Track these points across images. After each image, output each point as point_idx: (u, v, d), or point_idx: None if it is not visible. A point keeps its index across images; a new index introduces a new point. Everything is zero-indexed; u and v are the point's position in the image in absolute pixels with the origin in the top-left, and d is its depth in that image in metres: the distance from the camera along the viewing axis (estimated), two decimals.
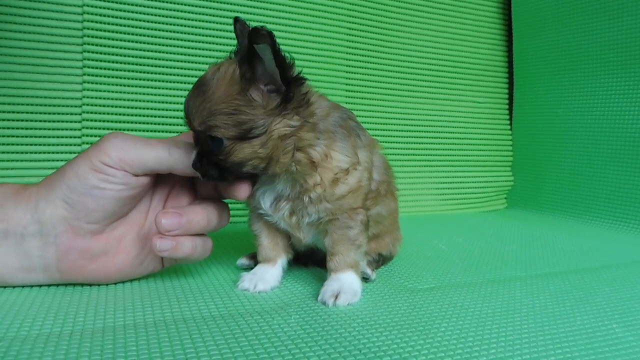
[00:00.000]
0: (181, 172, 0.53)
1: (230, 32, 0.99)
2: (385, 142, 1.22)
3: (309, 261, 0.66)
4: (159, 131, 0.97)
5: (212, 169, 0.49)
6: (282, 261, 0.59)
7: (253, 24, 0.48)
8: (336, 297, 0.51)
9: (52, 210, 0.51)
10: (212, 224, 0.55)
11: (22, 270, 0.52)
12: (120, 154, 0.50)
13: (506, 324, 0.47)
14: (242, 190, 0.53)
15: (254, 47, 0.44)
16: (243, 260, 0.66)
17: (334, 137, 0.52)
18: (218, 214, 0.56)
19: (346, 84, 1.17)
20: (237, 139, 0.47)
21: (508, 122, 1.41)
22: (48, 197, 0.51)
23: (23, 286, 0.54)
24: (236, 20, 0.53)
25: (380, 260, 0.66)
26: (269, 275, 0.57)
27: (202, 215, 0.54)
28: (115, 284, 0.56)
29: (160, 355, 0.38)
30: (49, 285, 0.55)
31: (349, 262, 0.54)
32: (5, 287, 0.53)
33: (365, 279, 0.58)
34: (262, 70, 0.46)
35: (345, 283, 0.52)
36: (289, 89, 0.47)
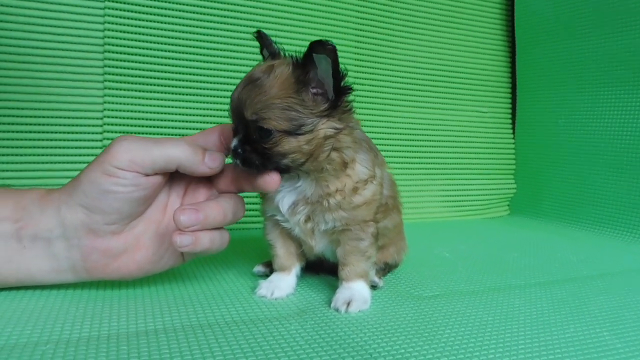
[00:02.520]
0: (189, 170, 0.55)
1: (249, 41, 1.04)
2: (390, 150, 1.26)
3: (321, 270, 0.70)
4: None
5: (255, 156, 0.53)
6: (296, 270, 0.63)
7: (266, 32, 0.59)
8: (348, 304, 0.55)
9: (72, 215, 0.54)
10: (228, 217, 0.57)
11: (52, 271, 0.56)
12: (129, 155, 0.52)
13: (504, 330, 0.51)
14: (273, 182, 0.55)
15: (313, 55, 0.50)
16: (259, 268, 0.70)
17: (360, 147, 0.57)
18: (234, 208, 0.58)
19: (354, 94, 1.20)
20: (286, 132, 0.52)
21: (511, 131, 1.45)
22: (68, 203, 0.54)
23: (58, 288, 0.58)
24: (259, 32, 0.60)
25: (386, 269, 0.70)
26: (284, 283, 0.61)
27: (218, 210, 0.56)
28: (141, 286, 0.61)
29: (191, 356, 0.42)
30: (81, 289, 0.59)
31: (359, 272, 0.58)
32: (41, 287, 0.58)
33: (373, 286, 0.62)
34: (314, 75, 0.51)
35: (356, 291, 0.56)
36: (338, 97, 0.53)
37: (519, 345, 0.47)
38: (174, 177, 0.59)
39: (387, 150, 1.25)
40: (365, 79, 1.22)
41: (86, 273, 0.57)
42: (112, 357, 0.42)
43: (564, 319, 0.55)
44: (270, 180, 0.55)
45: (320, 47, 0.49)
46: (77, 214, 0.54)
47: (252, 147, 0.53)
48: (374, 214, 0.58)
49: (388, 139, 1.25)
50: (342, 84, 0.52)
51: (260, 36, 0.59)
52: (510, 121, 1.45)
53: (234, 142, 0.54)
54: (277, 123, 0.51)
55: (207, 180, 0.60)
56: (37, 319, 0.50)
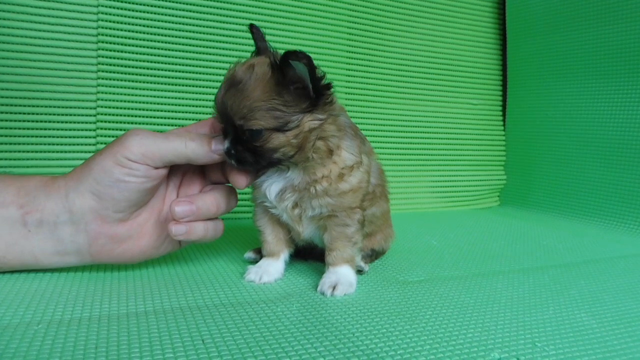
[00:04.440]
0: (197, 162, 0.58)
1: (241, 33, 1.05)
2: (382, 141, 1.27)
3: (309, 257, 0.71)
4: None
5: (248, 155, 0.55)
6: (284, 255, 0.65)
7: (258, 24, 0.61)
8: (334, 288, 0.56)
9: (81, 201, 0.56)
10: (221, 208, 0.61)
11: (56, 254, 0.58)
12: (142, 149, 0.55)
13: (485, 312, 0.52)
14: (241, 180, 0.59)
15: (289, 61, 0.51)
16: (250, 254, 0.71)
17: (345, 135, 0.59)
18: (226, 199, 0.62)
19: (346, 86, 1.22)
20: (274, 129, 0.54)
21: (501, 122, 1.46)
22: (77, 189, 0.56)
23: (52, 271, 0.60)
24: (252, 26, 0.61)
25: (373, 255, 0.72)
26: (272, 268, 0.63)
27: (211, 202, 0.60)
28: (134, 269, 0.63)
29: (180, 337, 0.43)
30: (74, 272, 0.61)
31: (346, 257, 0.59)
32: (43, 270, 0.60)
33: (359, 271, 0.64)
34: (293, 75, 0.52)
35: (342, 276, 0.58)
36: (318, 97, 0.54)
37: (498, 325, 0.49)
38: (172, 168, 0.62)
39: (378, 142, 1.26)
40: (356, 70, 1.23)
41: (90, 257, 0.59)
42: (103, 337, 0.43)
43: (543, 301, 0.57)
44: (239, 178, 0.59)
45: (294, 56, 0.50)
46: (87, 200, 0.56)
47: (244, 147, 0.55)
48: (360, 201, 0.60)
49: (379, 131, 1.27)
50: (322, 83, 0.54)
51: (252, 30, 0.61)
52: (500, 113, 1.47)
53: (226, 144, 0.56)
54: (265, 122, 0.53)
55: (200, 172, 0.64)
56: (30, 301, 0.51)
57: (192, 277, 0.63)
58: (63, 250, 0.58)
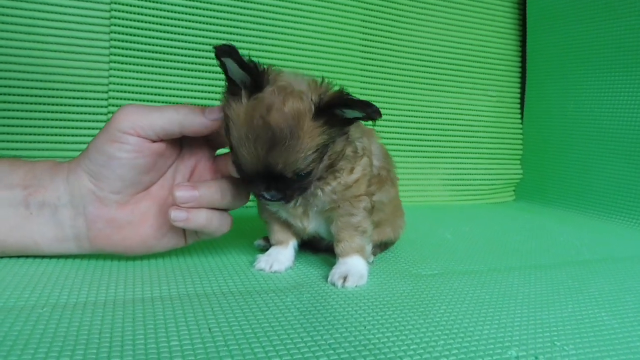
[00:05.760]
0: (191, 128, 0.55)
1: (254, 19, 1.03)
2: (397, 132, 1.25)
3: (319, 250, 0.69)
4: None
5: (296, 192, 0.53)
6: (293, 243, 0.63)
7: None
8: (344, 279, 0.55)
9: (79, 182, 0.55)
10: (226, 199, 0.58)
11: (56, 240, 0.57)
12: (131, 118, 0.54)
13: (501, 308, 0.50)
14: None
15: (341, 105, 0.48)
16: (260, 242, 0.70)
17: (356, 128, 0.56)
18: (233, 191, 0.58)
19: (362, 75, 1.20)
20: (318, 161, 0.51)
21: (519, 115, 1.43)
22: (76, 171, 0.56)
23: (58, 257, 0.59)
24: (220, 54, 0.48)
25: (382, 246, 0.70)
26: (282, 256, 0.61)
27: (215, 190, 0.57)
28: (141, 257, 0.61)
29: (186, 325, 0.42)
30: (81, 258, 0.60)
31: (355, 247, 0.57)
32: (41, 256, 0.58)
33: None
34: (339, 112, 0.49)
35: (352, 266, 0.56)
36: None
37: (515, 322, 0.47)
38: (182, 159, 0.60)
39: (394, 133, 1.24)
40: (372, 60, 1.21)
41: (89, 243, 0.58)
42: (107, 321, 0.42)
43: (562, 299, 0.55)
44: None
45: (344, 98, 0.48)
46: (83, 181, 0.55)
47: (291, 188, 0.52)
48: (365, 187, 0.58)
49: (394, 121, 1.25)
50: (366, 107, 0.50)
51: (223, 60, 0.48)
52: (518, 106, 1.43)
53: (271, 194, 0.52)
54: (315, 162, 0.50)
55: (212, 165, 0.62)
56: (36, 284, 0.51)
57: (200, 265, 0.61)
58: (63, 235, 0.57)
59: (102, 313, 0.44)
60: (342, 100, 0.48)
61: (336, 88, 0.51)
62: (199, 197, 0.56)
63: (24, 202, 0.55)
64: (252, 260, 0.63)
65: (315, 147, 0.49)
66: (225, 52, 0.46)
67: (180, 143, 0.60)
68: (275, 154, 0.48)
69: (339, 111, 0.49)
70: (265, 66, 0.50)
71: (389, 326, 0.44)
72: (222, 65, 0.49)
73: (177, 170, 0.61)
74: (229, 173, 0.60)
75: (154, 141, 0.55)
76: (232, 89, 0.50)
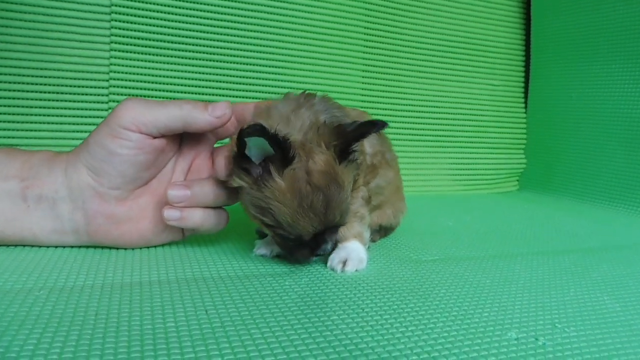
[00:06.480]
0: (195, 125, 0.54)
1: (256, 6, 1.02)
2: (399, 121, 1.24)
3: None
4: None
5: (337, 235, 0.54)
6: None
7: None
8: (344, 263, 0.54)
9: (78, 177, 0.54)
10: (220, 198, 0.57)
11: (55, 232, 0.56)
12: (133, 113, 0.52)
13: (502, 292, 0.50)
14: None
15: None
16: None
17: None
18: (227, 190, 0.56)
19: (363, 64, 1.19)
20: None
21: (523, 104, 1.42)
22: (75, 165, 0.55)
23: (55, 246, 0.58)
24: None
25: (381, 231, 0.69)
26: None
27: (209, 189, 0.56)
28: (141, 248, 0.61)
29: (183, 307, 0.42)
30: (80, 247, 0.59)
31: (354, 232, 0.57)
32: (39, 246, 0.58)
33: None
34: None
35: (351, 251, 0.56)
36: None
37: (515, 306, 0.46)
38: (181, 152, 0.60)
39: (397, 123, 1.23)
40: (374, 48, 1.20)
41: (88, 237, 0.57)
42: (104, 304, 0.42)
43: (564, 284, 0.54)
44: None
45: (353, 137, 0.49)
46: (83, 176, 0.54)
47: (337, 232, 0.54)
48: (362, 179, 0.57)
49: (396, 110, 1.24)
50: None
51: (249, 139, 0.46)
52: (522, 94, 1.42)
53: (324, 248, 0.52)
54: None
55: (211, 156, 0.61)
56: (34, 268, 0.50)
57: (199, 251, 0.61)
58: (61, 228, 0.56)
59: (99, 296, 0.44)
60: (352, 136, 0.49)
61: (321, 122, 0.51)
62: (191, 196, 0.55)
63: (22, 194, 0.54)
64: (251, 246, 0.63)
65: (350, 188, 0.51)
66: (257, 132, 0.45)
67: (180, 136, 0.59)
68: (332, 211, 0.49)
69: (355, 146, 0.50)
70: (289, 140, 0.47)
71: (387, 309, 0.44)
72: (242, 144, 0.47)
73: (177, 163, 0.60)
74: (226, 165, 0.58)
75: (155, 137, 0.54)
76: (245, 164, 0.49)
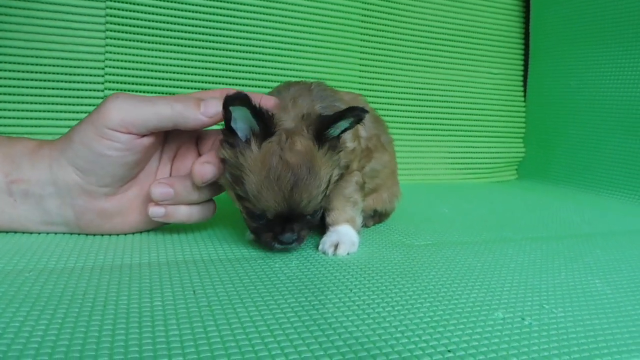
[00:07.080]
0: (187, 125, 0.53)
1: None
2: (397, 109, 1.24)
3: None
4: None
5: (308, 231, 0.53)
6: None
7: None
8: (336, 247, 0.54)
9: (64, 175, 0.53)
10: (203, 193, 0.56)
11: (44, 224, 0.56)
12: (121, 114, 0.50)
13: (492, 275, 0.50)
14: (209, 172, 0.54)
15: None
16: None
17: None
18: (210, 185, 0.55)
19: (360, 52, 1.18)
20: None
21: (522, 93, 1.41)
22: (59, 161, 0.53)
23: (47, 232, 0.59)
24: (229, 104, 0.47)
25: (376, 216, 0.69)
26: None
27: (193, 186, 0.55)
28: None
29: (171, 287, 0.42)
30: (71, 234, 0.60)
31: (346, 217, 0.57)
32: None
33: None
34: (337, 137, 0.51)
35: (343, 235, 0.56)
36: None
37: (504, 288, 0.46)
38: (166, 142, 0.59)
39: (395, 111, 1.23)
40: (371, 36, 1.19)
41: (79, 229, 0.57)
42: (92, 285, 0.42)
43: (555, 267, 0.54)
44: (208, 169, 0.53)
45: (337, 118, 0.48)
46: (69, 174, 0.53)
47: (306, 227, 0.52)
48: (357, 164, 0.57)
49: (394, 99, 1.23)
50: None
51: (233, 108, 0.46)
52: (521, 83, 1.41)
53: (287, 236, 0.50)
54: (325, 197, 0.51)
55: (195, 144, 0.60)
56: (26, 251, 0.51)
57: (191, 234, 0.61)
58: (50, 220, 0.55)
59: (87, 277, 0.44)
60: (326, 119, 0.48)
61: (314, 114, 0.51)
62: (174, 194, 0.54)
63: (7, 189, 0.53)
64: (242, 230, 0.63)
65: (327, 180, 0.50)
66: (238, 100, 0.45)
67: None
68: (298, 192, 0.48)
69: (331, 131, 0.49)
70: (272, 112, 0.48)
71: (375, 289, 0.44)
72: (227, 114, 0.47)
73: (163, 152, 0.59)
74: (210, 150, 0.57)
75: (144, 135, 0.53)
76: (231, 139, 0.49)
